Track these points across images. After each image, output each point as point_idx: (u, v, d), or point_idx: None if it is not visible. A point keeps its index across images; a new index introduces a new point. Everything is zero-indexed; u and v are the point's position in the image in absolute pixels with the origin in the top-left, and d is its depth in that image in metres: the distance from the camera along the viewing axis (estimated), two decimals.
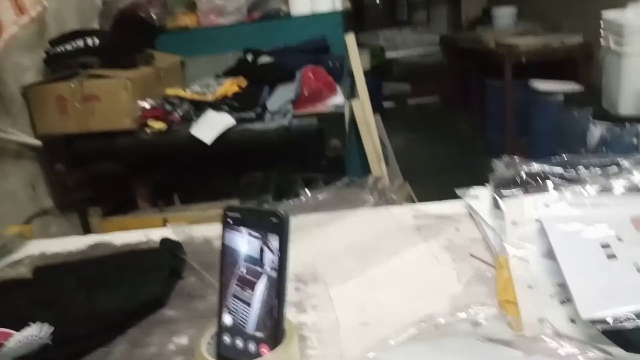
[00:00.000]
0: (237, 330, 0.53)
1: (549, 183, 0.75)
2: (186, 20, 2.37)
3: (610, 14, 2.32)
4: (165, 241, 0.87)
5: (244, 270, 0.53)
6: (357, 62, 2.36)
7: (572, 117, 2.74)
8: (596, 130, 2.44)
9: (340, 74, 2.04)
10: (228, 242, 0.55)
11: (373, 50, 5.15)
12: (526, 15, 4.30)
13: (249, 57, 2.13)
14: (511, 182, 0.85)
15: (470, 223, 0.87)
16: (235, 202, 2.00)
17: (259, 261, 0.52)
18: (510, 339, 0.56)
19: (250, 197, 2.01)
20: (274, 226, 0.51)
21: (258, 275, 0.52)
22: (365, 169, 2.33)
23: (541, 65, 3.35)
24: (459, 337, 0.57)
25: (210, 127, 1.82)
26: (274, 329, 0.51)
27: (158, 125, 1.84)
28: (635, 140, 2.25)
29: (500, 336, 0.56)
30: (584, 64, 3.29)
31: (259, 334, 0.51)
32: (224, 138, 1.83)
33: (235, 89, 1.92)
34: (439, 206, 0.95)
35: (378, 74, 5.10)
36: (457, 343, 0.55)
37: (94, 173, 1.99)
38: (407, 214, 0.92)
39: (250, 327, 0.52)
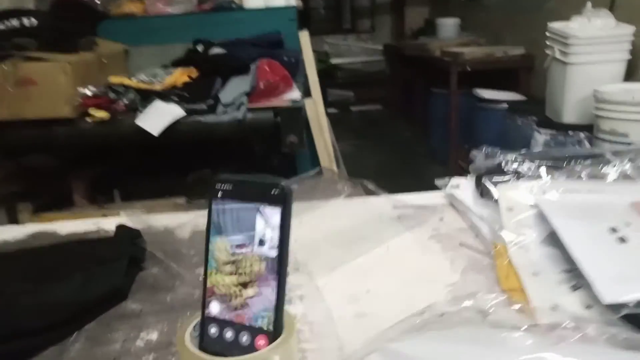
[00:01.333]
0: (226, 320, 0.45)
1: (543, 170, 0.72)
2: (132, 7, 2.24)
3: (556, 25, 2.39)
4: (122, 228, 0.78)
5: (236, 251, 0.45)
6: (311, 60, 2.31)
7: (516, 124, 2.80)
8: (540, 138, 2.50)
9: (296, 69, 1.98)
10: (216, 217, 0.47)
11: (318, 55, 5.13)
12: (469, 27, 4.41)
13: (199, 48, 2.03)
14: (496, 171, 0.81)
15: (453, 213, 0.83)
16: (181, 200, 1.90)
17: (254, 239, 0.45)
18: (526, 327, 0.51)
19: (198, 195, 1.91)
20: (274, 198, 0.44)
21: (248, 245, 0.44)
22: None
23: (484, 75, 3.44)
24: (471, 326, 0.52)
25: (157, 117, 1.71)
26: (274, 318, 0.44)
27: (100, 114, 1.71)
28: (578, 148, 2.31)
29: (514, 324, 0.52)
30: (525, 74, 3.40)
31: (255, 324, 0.44)
32: (172, 130, 1.72)
33: (185, 79, 1.82)
34: (418, 197, 0.90)
35: (322, 79, 5.08)
36: (471, 332, 0.50)
37: (26, 165, 1.82)
38: (385, 204, 0.87)
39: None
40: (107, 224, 0.87)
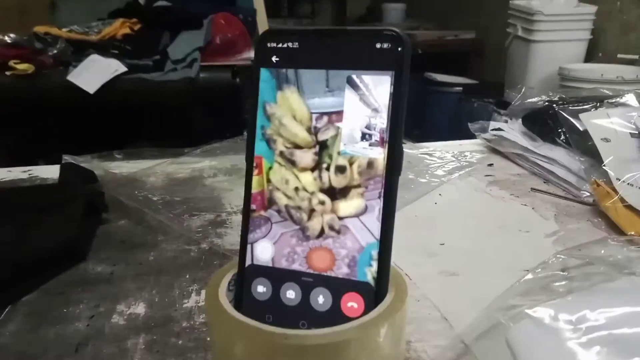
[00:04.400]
0: (287, 271, 0.26)
1: (631, 96, 0.57)
2: None
3: (518, 2, 2.32)
4: (69, 167, 0.55)
5: (318, 125, 0.25)
6: (265, 25, 2.09)
7: (472, 107, 2.72)
8: (500, 119, 2.42)
9: (253, 30, 1.76)
10: (268, 98, 0.27)
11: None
12: (415, 13, 4.33)
13: (142, 1, 1.77)
14: (545, 110, 0.66)
15: (501, 159, 0.66)
16: None
17: (343, 82, 0.25)
18: None
19: None
20: (380, 59, 0.25)
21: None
22: None
23: (433, 59, 3.35)
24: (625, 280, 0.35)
25: (94, 73, 1.45)
26: (377, 265, 0.25)
27: (23, 66, 1.42)
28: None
29: None
30: (476, 58, 3.35)
31: (340, 275, 0.25)
32: (110, 89, 1.46)
33: (126, 30, 1.55)
34: (447, 144, 0.74)
35: None
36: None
37: None
38: (410, 150, 0.70)
39: None
40: (43, 171, 0.65)
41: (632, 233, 0.43)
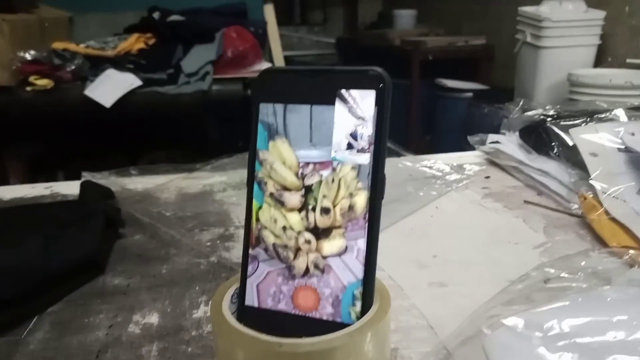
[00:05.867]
0: (273, 312, 0.29)
1: (620, 112, 0.60)
2: None
3: (527, 9, 2.33)
4: (89, 185, 0.59)
5: (305, 171, 0.29)
6: (276, 36, 2.14)
7: (483, 112, 2.74)
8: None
9: (263, 42, 1.81)
10: (261, 146, 0.30)
11: None
12: (425, 19, 4.36)
13: (156, 16, 1.82)
14: (540, 125, 0.69)
15: (498, 171, 0.69)
16: None
17: (330, 143, 0.28)
18: None
19: None
20: (365, 81, 0.28)
21: (327, 164, 0.28)
22: None
23: (443, 65, 3.37)
24: (602, 290, 0.38)
25: (110, 87, 1.50)
26: (363, 280, 0.28)
27: (43, 82, 1.48)
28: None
29: None
30: (486, 64, 3.36)
31: (325, 317, 0.28)
32: (126, 102, 1.52)
33: (141, 45, 1.61)
34: (447, 156, 0.77)
35: None
36: (618, 295, 0.36)
37: None
38: (412, 164, 0.73)
39: None
40: (63, 188, 0.69)
41: (614, 245, 0.46)
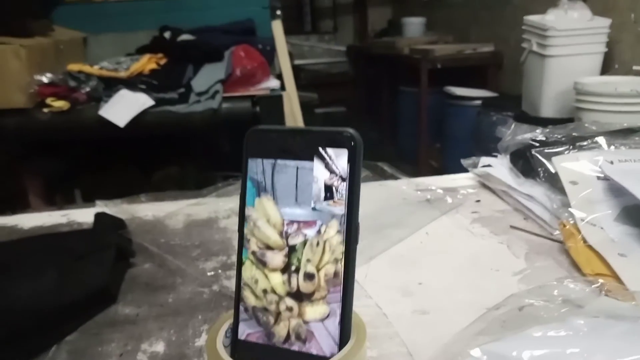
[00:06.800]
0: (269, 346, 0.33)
1: (601, 139, 0.63)
2: None
3: (532, 18, 2.35)
4: (102, 217, 0.64)
5: (289, 230, 0.32)
6: (284, 51, 2.18)
7: (491, 120, 2.76)
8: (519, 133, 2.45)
9: (271, 58, 1.86)
10: (257, 175, 0.34)
11: None
12: (434, 26, 4.39)
13: (167, 35, 1.88)
14: (529, 148, 0.72)
15: (489, 194, 0.72)
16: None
17: (310, 197, 0.32)
18: (637, 314, 0.41)
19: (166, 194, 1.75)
20: (339, 143, 0.32)
21: (311, 223, 0.32)
22: None
23: (452, 73, 3.39)
24: (573, 319, 0.41)
25: (123, 108, 1.56)
26: (340, 317, 0.32)
27: (59, 103, 1.54)
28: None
29: (623, 313, 0.41)
30: (494, 71, 3.38)
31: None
32: (139, 122, 1.57)
33: (153, 65, 1.66)
34: (441, 179, 0.80)
35: None
36: (585, 325, 0.39)
37: None
38: (407, 187, 0.76)
39: None
40: (79, 215, 0.73)
41: (589, 272, 0.49)
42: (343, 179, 0.32)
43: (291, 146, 0.33)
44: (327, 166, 0.32)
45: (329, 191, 0.32)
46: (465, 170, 0.80)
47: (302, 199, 0.32)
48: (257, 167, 0.34)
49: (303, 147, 0.33)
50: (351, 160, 0.32)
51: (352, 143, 0.32)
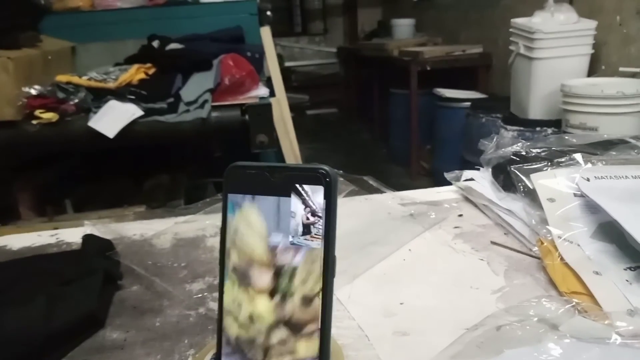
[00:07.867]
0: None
1: (578, 156, 0.64)
2: (77, 1, 2.07)
3: (519, 20, 2.37)
4: (90, 239, 0.65)
5: (264, 252, 0.33)
6: (273, 58, 2.19)
7: (480, 122, 2.78)
8: (507, 134, 2.47)
9: (260, 66, 1.86)
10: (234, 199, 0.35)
11: None
12: (423, 28, 4.41)
13: (155, 44, 1.88)
14: (511, 162, 0.73)
15: (472, 208, 0.74)
16: (141, 209, 1.74)
17: (288, 230, 0.33)
18: (608, 335, 0.42)
19: (158, 203, 1.76)
20: (314, 179, 0.33)
21: (289, 257, 0.32)
22: None
23: (442, 74, 3.41)
24: (547, 340, 0.42)
25: (113, 118, 1.56)
26: (319, 345, 0.33)
27: (48, 115, 1.54)
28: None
29: (595, 333, 0.43)
30: (484, 73, 3.40)
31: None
32: (128, 132, 1.57)
33: (142, 75, 1.67)
34: (425, 192, 0.81)
35: None
36: (560, 346, 0.41)
37: None
38: (391, 201, 0.77)
39: None
40: (68, 235, 0.74)
41: (565, 290, 0.50)
42: (319, 216, 0.33)
43: (269, 183, 0.34)
44: (304, 202, 0.33)
45: (306, 227, 0.33)
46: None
47: (281, 230, 0.33)
48: (236, 200, 0.35)
49: (280, 183, 0.34)
50: (327, 197, 0.33)
51: (328, 179, 0.33)
